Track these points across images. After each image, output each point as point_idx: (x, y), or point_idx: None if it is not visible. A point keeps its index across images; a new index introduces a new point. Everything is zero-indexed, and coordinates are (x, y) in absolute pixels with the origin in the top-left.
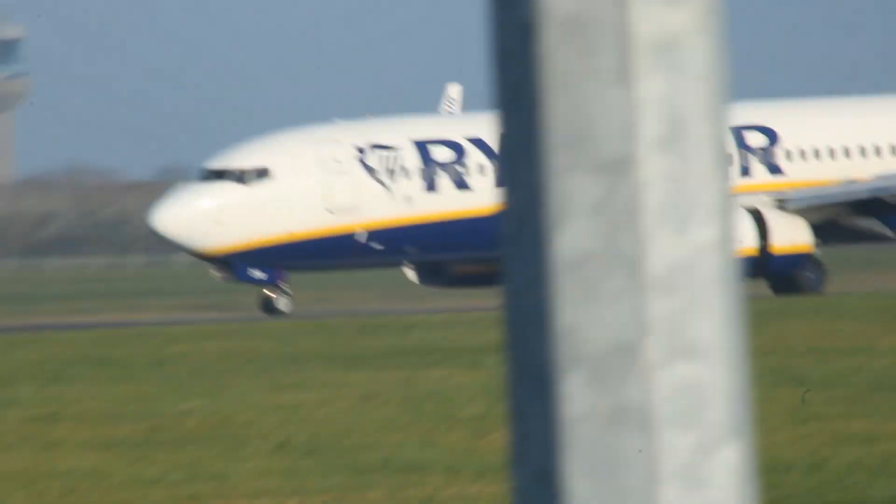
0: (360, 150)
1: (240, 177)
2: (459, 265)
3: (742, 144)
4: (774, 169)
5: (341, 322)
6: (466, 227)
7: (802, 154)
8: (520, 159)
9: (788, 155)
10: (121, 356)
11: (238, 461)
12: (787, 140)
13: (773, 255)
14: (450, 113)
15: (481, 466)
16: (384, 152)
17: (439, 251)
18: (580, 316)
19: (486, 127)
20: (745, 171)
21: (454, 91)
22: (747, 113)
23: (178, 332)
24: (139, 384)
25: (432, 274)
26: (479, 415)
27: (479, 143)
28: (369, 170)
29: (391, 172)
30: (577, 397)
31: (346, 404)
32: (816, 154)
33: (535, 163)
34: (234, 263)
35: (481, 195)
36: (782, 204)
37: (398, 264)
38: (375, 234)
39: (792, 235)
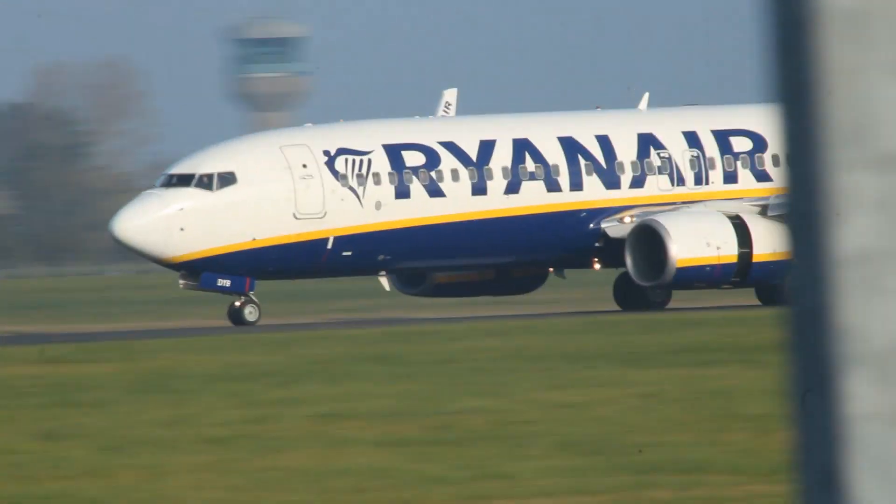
0: (329, 155)
1: (204, 182)
2: (440, 273)
3: (728, 150)
4: (762, 175)
5: (618, 319)
6: (439, 234)
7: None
8: (800, 155)
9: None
10: (403, 354)
11: (522, 460)
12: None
13: (755, 262)
14: (443, 117)
15: (765, 466)
16: (354, 157)
17: (412, 259)
18: (863, 313)
19: (461, 130)
20: (732, 178)
21: (451, 95)
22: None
23: (458, 329)
24: (422, 382)
25: (411, 282)
26: (762, 414)
27: (452, 148)
28: (337, 175)
29: (360, 178)
30: (861, 396)
31: (628, 403)
32: None
33: (816, 159)
34: (198, 271)
35: (455, 201)
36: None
37: (370, 272)
38: (344, 241)
39: (775, 243)
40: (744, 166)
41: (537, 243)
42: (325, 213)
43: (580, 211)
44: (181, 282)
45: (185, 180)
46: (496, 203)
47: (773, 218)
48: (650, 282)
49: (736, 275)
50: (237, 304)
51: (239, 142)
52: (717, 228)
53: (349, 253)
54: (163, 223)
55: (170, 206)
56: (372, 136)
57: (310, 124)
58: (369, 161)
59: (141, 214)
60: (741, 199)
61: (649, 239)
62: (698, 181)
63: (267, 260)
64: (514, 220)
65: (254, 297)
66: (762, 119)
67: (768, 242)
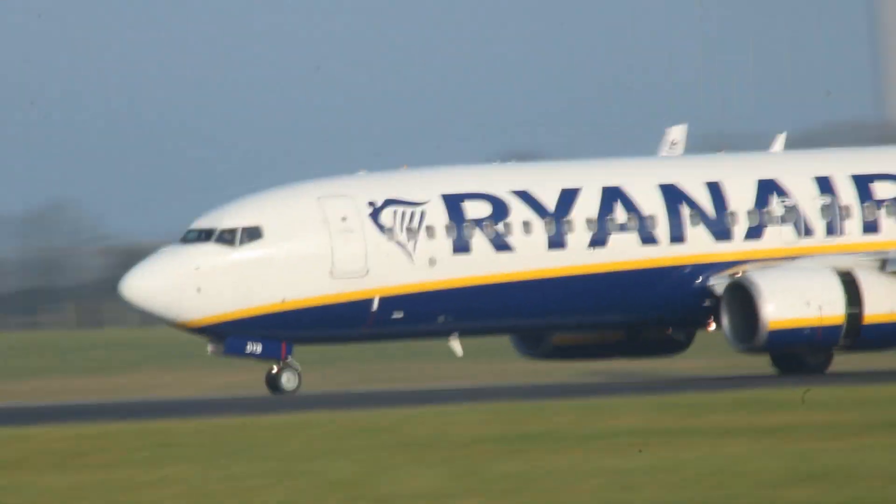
0: (374, 207)
1: (226, 237)
2: (559, 335)
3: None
4: None
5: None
6: (505, 294)
7: None
8: None
9: None
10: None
11: None
12: None
13: (865, 324)
14: (669, 156)
15: None
16: (403, 208)
17: (477, 320)
18: None
19: (538, 177)
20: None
21: (678, 132)
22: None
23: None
24: None
25: (530, 344)
26: None
27: (525, 197)
28: (383, 229)
29: (411, 231)
30: None
31: None
32: None
33: None
34: (224, 335)
35: (525, 257)
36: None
37: (427, 335)
38: (391, 302)
39: (892, 301)
40: (889, 214)
41: (628, 302)
42: (368, 271)
43: (682, 266)
44: (209, 347)
45: (205, 236)
46: (576, 258)
47: (892, 273)
48: (746, 345)
49: (844, 337)
50: (274, 370)
51: (270, 193)
52: (821, 286)
53: (400, 315)
54: (177, 283)
55: (185, 265)
56: (428, 184)
57: (363, 172)
58: (422, 213)
59: (152, 273)
60: (858, 252)
61: (743, 298)
62: (831, 231)
63: (301, 323)
64: (597, 277)
65: (293, 363)
66: None
67: (883, 302)
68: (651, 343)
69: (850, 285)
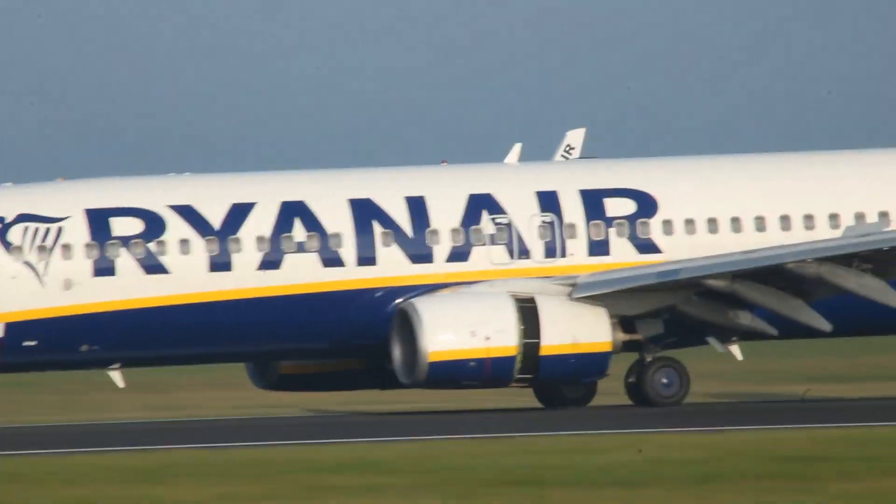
0: (2, 223)
1: None
2: (285, 363)
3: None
4: (645, 245)
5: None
6: (159, 320)
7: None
8: None
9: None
10: None
11: None
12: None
13: (543, 356)
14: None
15: None
16: (37, 224)
17: (129, 349)
18: None
19: (204, 191)
20: (601, 249)
21: (575, 136)
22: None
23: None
24: None
25: (259, 373)
26: None
27: (186, 213)
28: (9, 247)
29: (42, 250)
30: None
31: None
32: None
33: None
34: None
35: (182, 279)
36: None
37: (78, 366)
38: (20, 328)
39: (575, 330)
40: (620, 235)
41: (310, 329)
42: None
43: (373, 290)
44: None
45: None
46: (244, 281)
47: (583, 300)
48: (411, 378)
49: (522, 371)
50: None
51: None
52: (491, 313)
53: (33, 343)
54: None
55: None
56: (72, 198)
57: (9, 184)
58: (59, 230)
59: None
60: (550, 277)
61: (407, 327)
62: (550, 253)
63: None
64: (270, 300)
65: None
66: (652, 175)
67: (564, 331)
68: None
69: (529, 313)
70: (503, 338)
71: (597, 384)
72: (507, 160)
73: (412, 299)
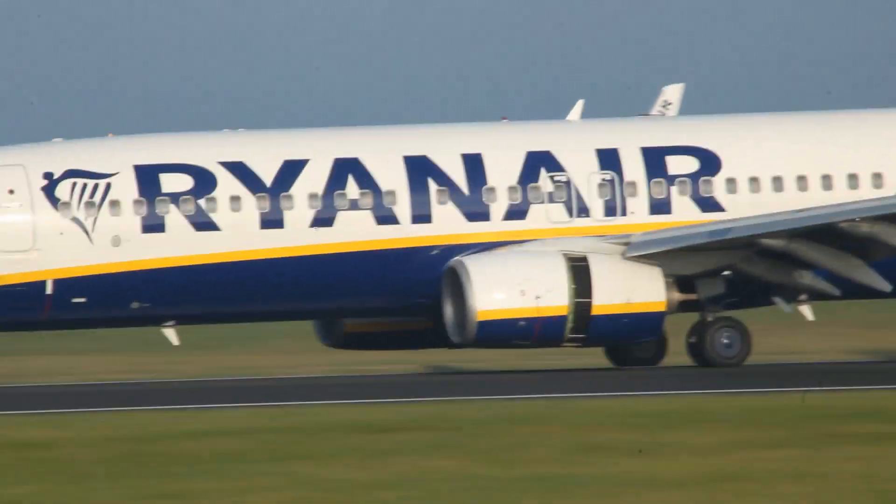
0: (50, 178)
1: None
2: (350, 322)
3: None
4: (708, 204)
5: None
6: (206, 278)
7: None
8: None
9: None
10: None
11: None
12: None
13: (595, 315)
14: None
15: None
16: (85, 180)
17: (179, 306)
18: None
19: (256, 147)
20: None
21: (673, 92)
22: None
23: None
24: None
25: (326, 331)
26: None
27: (238, 169)
28: (57, 203)
29: (90, 207)
30: None
31: None
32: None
33: None
34: None
35: (233, 236)
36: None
37: (128, 323)
38: (69, 285)
39: (628, 290)
40: (682, 193)
41: (365, 287)
42: (36, 251)
43: (428, 248)
44: None
45: None
46: (296, 239)
47: (636, 259)
48: (461, 337)
49: (573, 330)
50: None
51: None
52: (541, 272)
53: (82, 300)
54: None
55: None
56: (121, 154)
57: (59, 139)
58: (108, 186)
59: None
60: (604, 235)
61: (457, 285)
62: (611, 211)
63: None
64: (321, 259)
65: None
66: (716, 132)
67: (617, 291)
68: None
69: (581, 272)
70: (553, 297)
71: (667, 344)
72: (569, 117)
73: (462, 257)
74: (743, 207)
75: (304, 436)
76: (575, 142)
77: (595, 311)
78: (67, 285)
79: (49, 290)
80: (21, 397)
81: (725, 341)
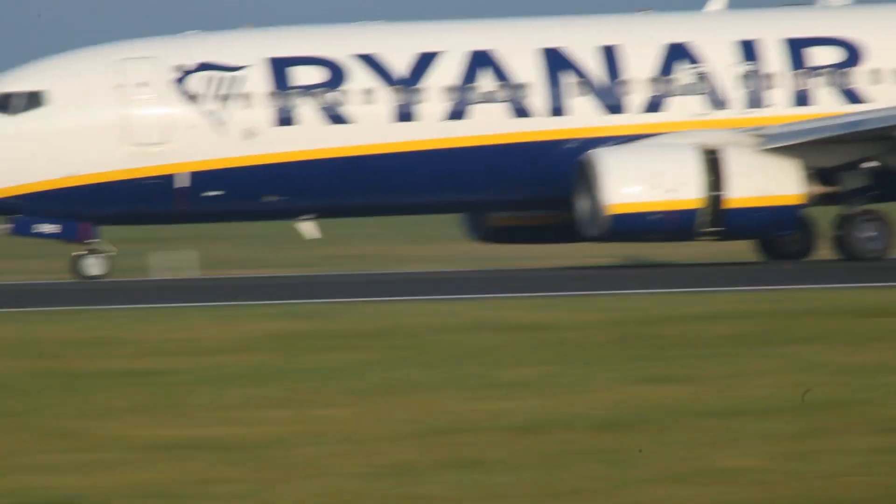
0: (183, 71)
1: (4, 105)
2: (494, 215)
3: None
4: (852, 95)
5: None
6: (339, 171)
7: None
8: None
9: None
10: None
11: None
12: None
13: (730, 209)
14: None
15: None
16: (218, 73)
17: (313, 199)
18: None
19: (390, 39)
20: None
21: None
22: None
23: None
24: None
25: (472, 225)
26: None
27: (370, 62)
28: (190, 96)
29: (223, 99)
30: None
31: None
32: None
33: None
34: (14, 213)
35: (364, 129)
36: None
37: (259, 216)
38: (202, 178)
39: (763, 183)
40: (827, 84)
41: (500, 181)
42: (169, 143)
43: (564, 141)
44: (3, 227)
45: None
46: (430, 132)
47: (773, 151)
48: (594, 231)
49: (706, 224)
50: (75, 254)
51: (66, 55)
52: (674, 165)
53: (216, 193)
54: None
55: None
56: (253, 46)
57: (196, 31)
58: (241, 78)
59: None
60: (739, 128)
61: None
62: (751, 103)
63: (95, 200)
64: (455, 152)
65: (100, 246)
66: (860, 22)
67: (751, 183)
68: None
69: (715, 165)
70: (686, 190)
71: (815, 237)
72: (708, 7)
73: (594, 151)
74: (887, 99)
75: (791, 320)
76: (714, 33)
77: (729, 205)
78: (199, 178)
79: (180, 182)
80: (492, 281)
81: (869, 234)
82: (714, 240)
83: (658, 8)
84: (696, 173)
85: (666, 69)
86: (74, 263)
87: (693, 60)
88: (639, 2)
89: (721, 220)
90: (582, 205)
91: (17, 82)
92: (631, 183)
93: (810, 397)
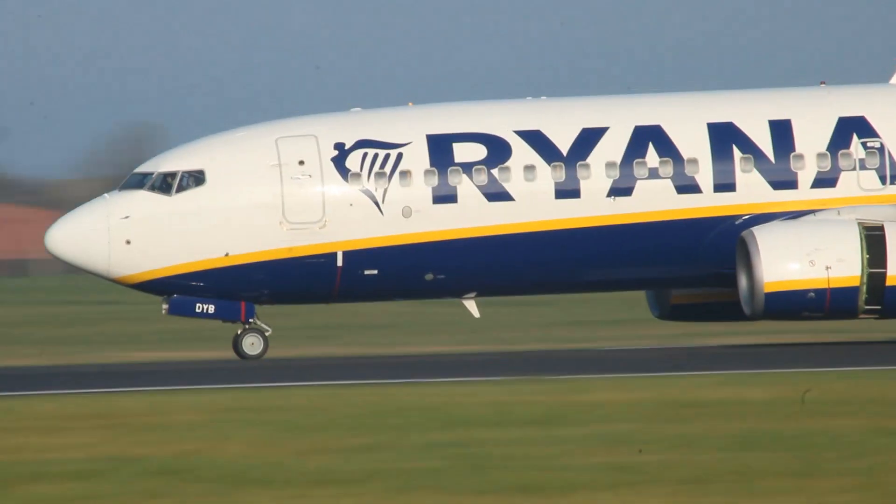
0: (341, 149)
1: (163, 184)
2: (676, 293)
3: None
4: None
5: None
6: (501, 249)
7: None
8: None
9: None
10: None
11: None
12: None
13: (890, 286)
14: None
15: None
16: (376, 151)
17: (472, 278)
18: None
19: (552, 115)
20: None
21: None
22: None
23: None
24: None
25: (654, 304)
26: None
27: (533, 138)
28: (347, 174)
29: (380, 177)
30: None
31: None
32: None
33: None
34: (168, 293)
35: (525, 207)
36: None
37: (418, 295)
38: (359, 257)
39: None
40: None
41: (664, 257)
42: (326, 222)
43: (732, 217)
44: (164, 306)
45: (141, 181)
46: (594, 209)
47: None
48: (751, 309)
49: (868, 301)
50: (238, 332)
51: (224, 134)
52: (832, 242)
53: (374, 272)
54: (102, 234)
55: (112, 214)
56: (414, 123)
57: (358, 109)
58: (399, 156)
59: (76, 223)
60: None
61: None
62: None
63: (253, 280)
64: (619, 228)
65: (258, 325)
66: None
67: None
68: None
69: (876, 241)
70: (845, 267)
71: None
72: (893, 80)
73: (753, 227)
74: None
75: None
76: (889, 106)
77: (890, 282)
78: (358, 257)
79: (340, 261)
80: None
81: None
82: (875, 318)
83: (838, 81)
84: (856, 250)
85: (838, 143)
86: (236, 342)
87: (867, 135)
88: (818, 76)
89: (882, 297)
90: (742, 282)
91: (176, 162)
92: (787, 260)
93: None
